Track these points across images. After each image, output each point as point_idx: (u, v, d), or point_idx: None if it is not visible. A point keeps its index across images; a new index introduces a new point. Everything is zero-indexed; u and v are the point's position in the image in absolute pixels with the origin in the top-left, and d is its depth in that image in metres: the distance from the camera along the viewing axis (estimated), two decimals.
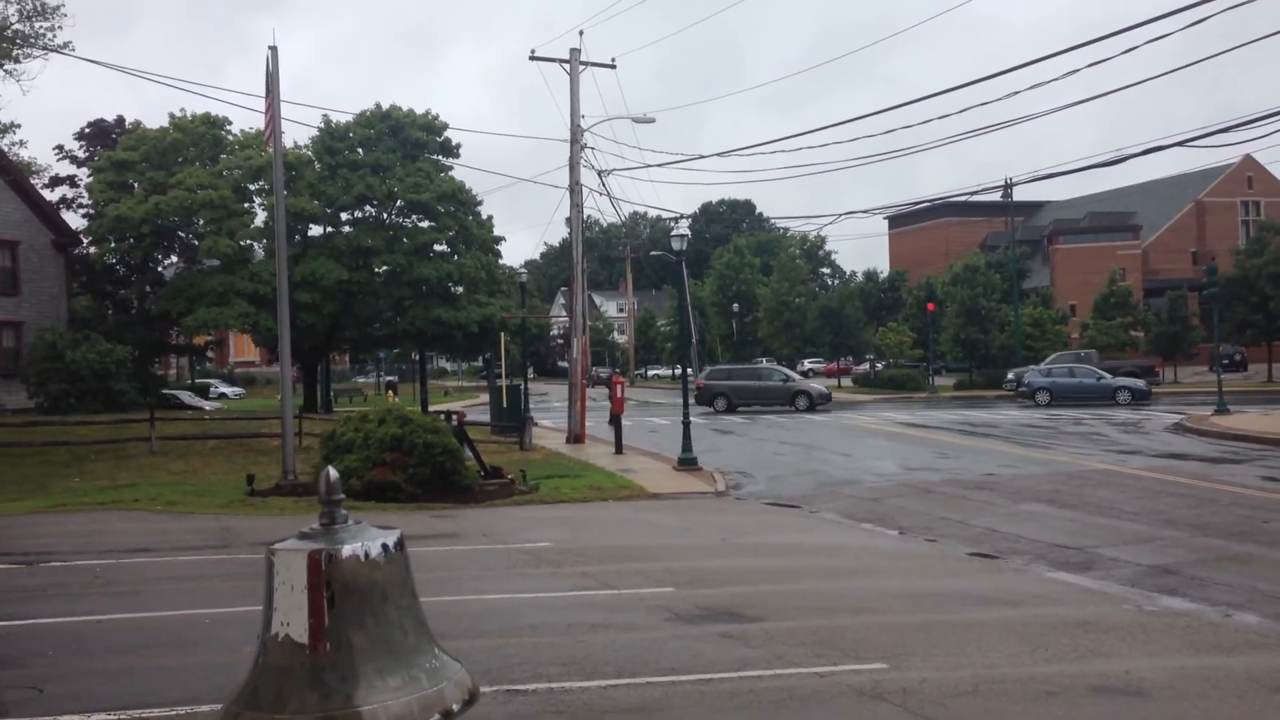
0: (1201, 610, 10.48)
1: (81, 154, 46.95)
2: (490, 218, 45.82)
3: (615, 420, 29.63)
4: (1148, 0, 17.21)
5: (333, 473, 2.21)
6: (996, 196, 59.72)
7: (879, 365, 70.68)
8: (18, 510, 18.00)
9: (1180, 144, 20.90)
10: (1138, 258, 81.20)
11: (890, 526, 16.58)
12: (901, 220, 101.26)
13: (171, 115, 43.10)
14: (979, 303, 63.54)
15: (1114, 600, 10.93)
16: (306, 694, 1.99)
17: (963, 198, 57.83)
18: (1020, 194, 58.12)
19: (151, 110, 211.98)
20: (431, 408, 42.41)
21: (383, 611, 2.10)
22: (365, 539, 2.11)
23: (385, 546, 2.14)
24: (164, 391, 47.18)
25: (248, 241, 41.06)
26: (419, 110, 44.41)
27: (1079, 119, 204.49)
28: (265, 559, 2.16)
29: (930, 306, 66.55)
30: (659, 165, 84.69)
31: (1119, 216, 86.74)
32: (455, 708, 2.07)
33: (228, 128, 43.50)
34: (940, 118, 25.28)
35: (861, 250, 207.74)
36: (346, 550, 2.09)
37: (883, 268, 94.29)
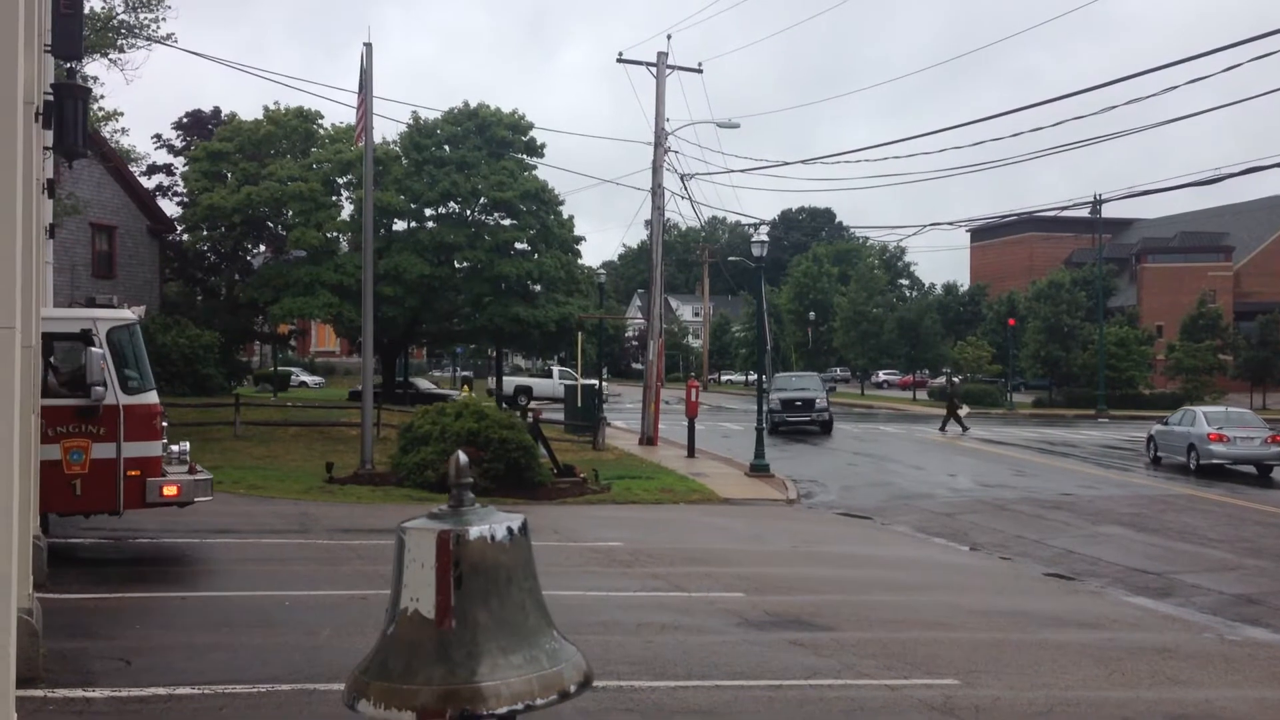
0: None
1: (179, 143, 48.19)
2: (571, 217, 46.16)
3: (689, 423, 29.73)
4: None
5: (463, 457, 2.32)
6: (1084, 212, 58.68)
7: (956, 379, 69.80)
8: None
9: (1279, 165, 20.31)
10: (1229, 279, 79.14)
11: (963, 542, 16.41)
12: (985, 233, 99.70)
13: (266, 108, 44.13)
14: (1062, 320, 62.46)
15: (1194, 628, 10.73)
16: (434, 668, 2.11)
17: (1050, 213, 56.68)
18: (1111, 210, 56.87)
19: (253, 99, 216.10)
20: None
21: (507, 592, 2.21)
22: (492, 522, 2.24)
23: (510, 530, 2.26)
24: (398, 379, 47.38)
25: (334, 234, 41.91)
26: (506, 109, 44.91)
27: (1184, 136, 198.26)
28: (396, 537, 2.27)
29: (1011, 322, 65.63)
30: (742, 171, 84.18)
31: (1211, 237, 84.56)
32: (572, 689, 2.18)
33: (319, 121, 44.42)
34: (1032, 130, 24.90)
35: (943, 262, 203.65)
36: (474, 532, 2.21)
37: (963, 281, 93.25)
